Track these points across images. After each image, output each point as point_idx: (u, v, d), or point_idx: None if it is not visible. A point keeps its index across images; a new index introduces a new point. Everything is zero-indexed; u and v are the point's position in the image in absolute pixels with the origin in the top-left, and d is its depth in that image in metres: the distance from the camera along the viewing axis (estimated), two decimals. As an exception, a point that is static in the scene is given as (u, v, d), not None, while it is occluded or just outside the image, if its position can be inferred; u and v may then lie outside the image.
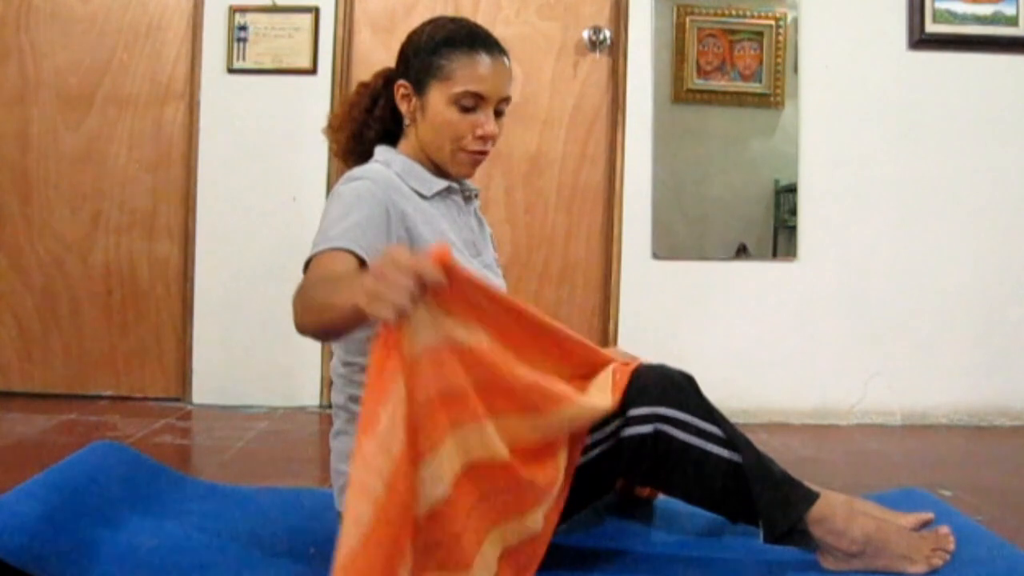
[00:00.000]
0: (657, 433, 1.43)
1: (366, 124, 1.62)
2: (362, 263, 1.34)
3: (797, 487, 1.48)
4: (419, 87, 1.53)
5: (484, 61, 1.50)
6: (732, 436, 1.46)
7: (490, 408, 1.24)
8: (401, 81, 1.55)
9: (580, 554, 1.60)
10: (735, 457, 1.45)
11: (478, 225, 1.65)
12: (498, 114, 1.53)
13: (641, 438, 1.43)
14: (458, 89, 1.49)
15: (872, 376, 3.12)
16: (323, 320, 1.21)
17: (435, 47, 1.52)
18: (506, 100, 1.54)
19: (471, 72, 1.49)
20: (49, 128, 3.16)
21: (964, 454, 2.77)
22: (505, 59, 1.54)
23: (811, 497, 1.47)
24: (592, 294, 3.15)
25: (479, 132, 1.50)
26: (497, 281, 1.62)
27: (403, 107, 1.56)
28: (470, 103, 1.49)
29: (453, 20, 1.58)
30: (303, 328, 1.27)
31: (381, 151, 1.57)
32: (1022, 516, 2.02)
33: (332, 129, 1.64)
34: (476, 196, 1.67)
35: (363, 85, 1.63)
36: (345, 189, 1.45)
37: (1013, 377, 3.13)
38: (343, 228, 1.37)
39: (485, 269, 1.58)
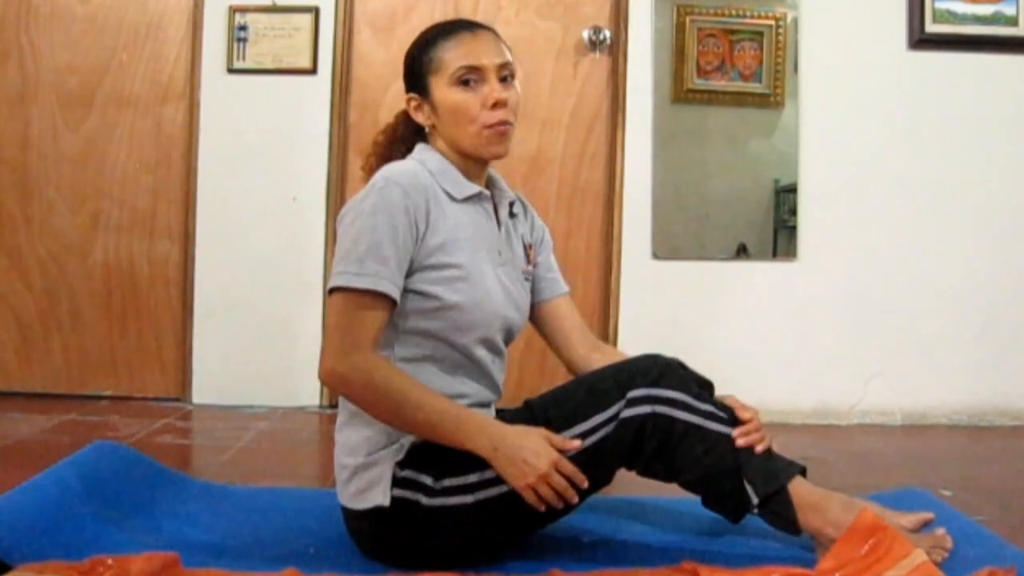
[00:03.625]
0: (655, 414, 1.44)
1: (392, 149, 1.65)
2: (393, 303, 1.45)
3: (783, 459, 1.52)
4: (423, 91, 1.56)
5: (466, 36, 1.53)
6: (726, 414, 1.50)
7: None
8: (409, 94, 1.59)
9: (579, 551, 1.60)
10: (731, 432, 1.48)
11: (506, 234, 1.63)
12: (506, 80, 1.54)
13: (641, 419, 1.44)
14: (452, 68, 1.51)
15: (872, 376, 3.12)
16: (394, 424, 1.45)
17: (422, 48, 1.57)
18: (505, 66, 1.54)
19: (457, 50, 1.52)
20: (49, 128, 3.16)
21: (964, 454, 2.77)
22: (490, 31, 1.56)
23: (796, 466, 1.52)
24: (592, 294, 3.15)
25: (489, 101, 1.51)
26: (521, 293, 1.62)
27: (419, 119, 1.59)
28: (470, 77, 1.51)
29: (437, 23, 1.63)
30: (348, 395, 1.47)
31: (419, 149, 1.60)
32: (1022, 516, 2.02)
33: (366, 162, 1.68)
34: (513, 205, 1.66)
35: (396, 115, 1.67)
36: (371, 202, 1.46)
37: (1013, 377, 3.13)
38: (374, 260, 1.43)
39: (506, 279, 1.58)
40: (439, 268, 1.49)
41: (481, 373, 1.57)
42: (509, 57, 1.55)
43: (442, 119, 1.55)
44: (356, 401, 1.45)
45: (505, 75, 1.53)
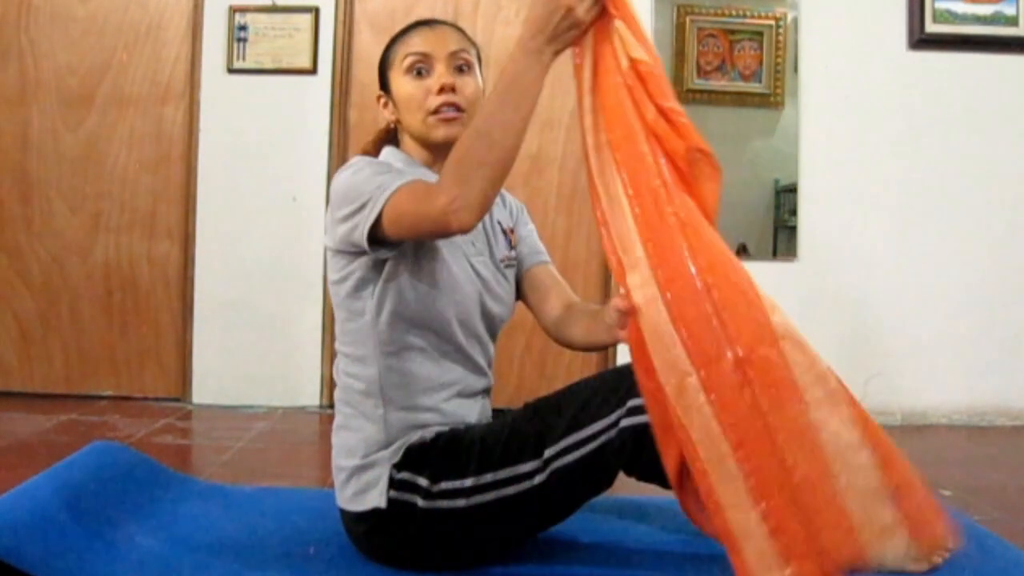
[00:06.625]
0: (648, 426, 1.43)
1: (378, 147, 1.65)
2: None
3: None
4: (385, 87, 1.58)
5: (421, 30, 1.55)
6: None
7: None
8: (378, 92, 1.61)
9: (579, 551, 1.60)
10: None
11: (481, 225, 1.62)
12: (461, 69, 1.53)
13: (642, 427, 1.43)
14: (401, 58, 1.53)
15: (872, 376, 3.12)
16: (507, 115, 1.30)
17: (387, 47, 1.59)
18: (458, 53, 1.53)
19: (409, 42, 1.54)
20: (49, 128, 3.16)
21: (964, 454, 2.77)
22: (452, 28, 1.57)
23: None
24: (592, 294, 3.15)
25: (436, 87, 1.51)
26: (501, 282, 1.61)
27: (385, 115, 1.60)
28: (419, 66, 1.52)
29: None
30: (490, 163, 1.31)
31: (385, 152, 1.60)
32: (1022, 516, 2.02)
33: (361, 151, 1.70)
34: None
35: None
36: (354, 163, 1.48)
37: (1013, 377, 3.13)
38: (392, 175, 1.41)
39: (484, 269, 1.58)
40: (406, 249, 1.49)
41: (464, 358, 1.56)
42: (467, 47, 1.55)
43: (399, 110, 1.57)
44: (472, 190, 1.30)
45: (460, 64, 1.53)
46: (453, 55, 1.52)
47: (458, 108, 1.52)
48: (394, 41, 1.58)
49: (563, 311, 1.66)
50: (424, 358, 1.52)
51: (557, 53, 1.28)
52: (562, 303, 1.67)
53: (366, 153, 1.67)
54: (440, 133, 1.52)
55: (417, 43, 1.53)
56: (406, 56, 1.53)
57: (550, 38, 1.26)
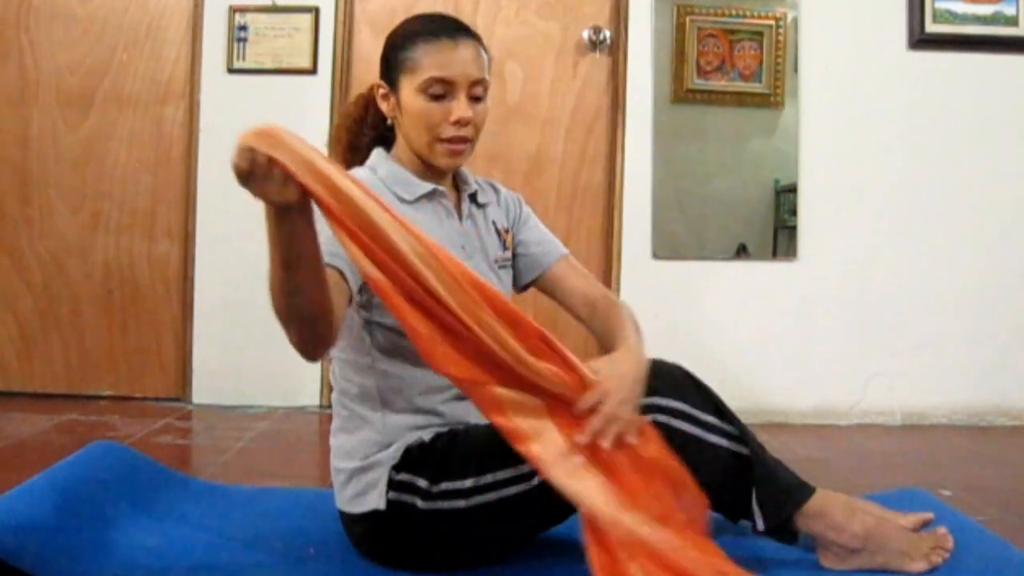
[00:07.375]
0: (655, 423, 1.43)
1: (359, 133, 1.64)
2: (342, 274, 1.39)
3: (794, 480, 1.50)
4: (392, 84, 1.54)
5: (446, 46, 1.49)
6: (731, 426, 1.47)
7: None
8: (378, 82, 1.57)
9: (579, 551, 1.60)
10: (733, 447, 1.46)
11: (472, 226, 1.62)
12: (476, 99, 1.51)
13: None
14: (424, 77, 1.48)
15: (872, 376, 3.12)
16: (274, 278, 1.30)
17: (402, 42, 1.54)
18: (479, 83, 1.50)
19: (434, 58, 1.48)
20: (49, 128, 3.16)
21: (964, 454, 2.77)
22: (473, 42, 1.52)
23: (807, 490, 1.49)
24: (592, 294, 3.14)
25: (452, 118, 1.48)
26: (495, 283, 1.60)
27: (384, 107, 1.57)
28: (439, 90, 1.48)
29: (424, 14, 1.60)
30: (282, 320, 1.38)
31: (374, 155, 1.60)
32: (1022, 516, 2.02)
33: (332, 140, 1.67)
34: (476, 195, 1.64)
35: (358, 95, 1.66)
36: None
37: (1013, 377, 3.14)
38: (321, 240, 1.36)
39: (476, 270, 1.57)
40: None
41: None
42: (485, 74, 1.52)
43: (403, 118, 1.53)
44: (281, 316, 1.38)
45: (477, 93, 1.50)
46: (474, 84, 1.50)
47: (467, 140, 1.51)
48: (412, 41, 1.51)
49: (587, 314, 1.64)
50: (419, 364, 1.52)
51: (298, 214, 1.25)
52: (586, 303, 1.65)
53: (353, 148, 1.65)
54: (445, 162, 1.52)
55: (442, 64, 1.47)
56: (428, 76, 1.47)
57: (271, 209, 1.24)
